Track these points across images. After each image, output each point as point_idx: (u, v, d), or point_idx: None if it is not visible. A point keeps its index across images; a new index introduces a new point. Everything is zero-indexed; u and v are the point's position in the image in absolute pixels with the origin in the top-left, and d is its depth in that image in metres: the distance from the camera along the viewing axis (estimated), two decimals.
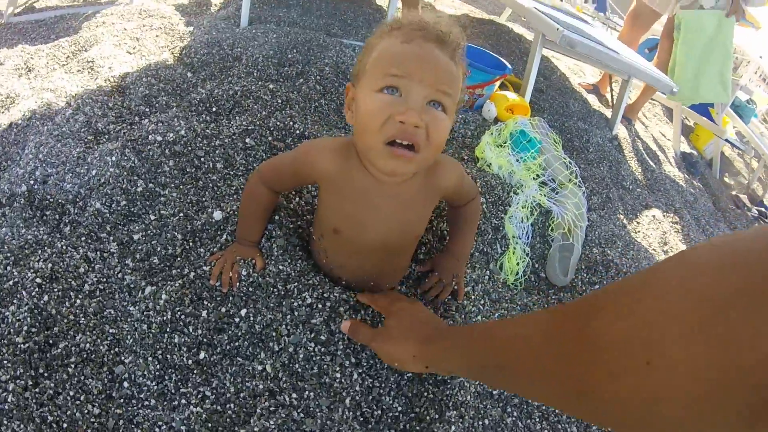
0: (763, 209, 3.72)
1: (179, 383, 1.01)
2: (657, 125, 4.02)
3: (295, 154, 1.07)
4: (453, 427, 1.08)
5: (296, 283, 1.09)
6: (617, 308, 0.49)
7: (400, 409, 1.10)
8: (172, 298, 1.08)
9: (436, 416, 1.09)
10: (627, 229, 2.02)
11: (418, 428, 1.07)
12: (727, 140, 3.52)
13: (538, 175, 1.76)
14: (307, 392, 1.00)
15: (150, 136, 1.39)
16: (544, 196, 1.71)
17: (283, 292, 1.08)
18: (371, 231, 1.05)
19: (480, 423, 1.17)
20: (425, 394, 1.13)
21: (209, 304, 1.09)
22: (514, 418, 1.27)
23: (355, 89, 0.95)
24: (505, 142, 1.74)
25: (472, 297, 1.31)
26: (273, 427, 0.94)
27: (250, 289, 1.09)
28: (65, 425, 0.99)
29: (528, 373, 0.63)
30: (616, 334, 0.48)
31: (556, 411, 1.37)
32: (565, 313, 0.59)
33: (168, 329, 1.05)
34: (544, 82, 2.88)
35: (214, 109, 1.58)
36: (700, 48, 2.92)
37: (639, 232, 2.12)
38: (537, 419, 1.31)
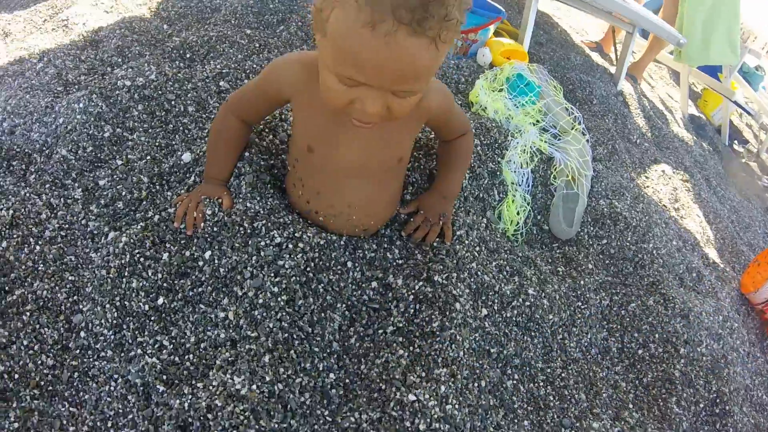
0: None
1: (136, 332, 0.92)
2: (664, 87, 3.83)
3: (263, 72, 0.99)
4: (443, 387, 0.97)
5: (264, 221, 1.00)
6: None
7: (379, 363, 1.00)
8: (132, 240, 1.00)
9: (423, 374, 0.98)
10: (635, 182, 1.89)
11: (398, 389, 0.95)
12: (735, 102, 3.35)
13: (537, 121, 1.63)
14: (263, 343, 0.91)
15: (119, 82, 1.31)
16: (545, 142, 1.59)
17: (249, 231, 0.99)
18: (346, 149, 0.96)
19: (475, 385, 1.06)
20: (410, 347, 1.02)
21: (172, 247, 1.00)
22: (514, 381, 1.17)
23: (318, 37, 0.79)
24: (501, 87, 1.62)
25: (466, 242, 1.20)
26: (233, 381, 0.85)
27: (215, 229, 1.00)
28: (17, 376, 0.92)
29: None
30: None
31: (562, 375, 1.26)
32: None
33: (126, 273, 0.97)
34: (543, 36, 2.71)
35: (188, 55, 1.49)
36: (708, 5, 2.75)
37: (648, 186, 1.99)
38: (540, 383, 1.21)
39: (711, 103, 3.84)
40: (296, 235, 1.00)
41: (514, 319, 1.24)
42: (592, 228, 1.61)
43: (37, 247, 1.05)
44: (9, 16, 2.08)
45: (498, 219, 1.41)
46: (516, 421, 1.11)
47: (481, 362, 1.12)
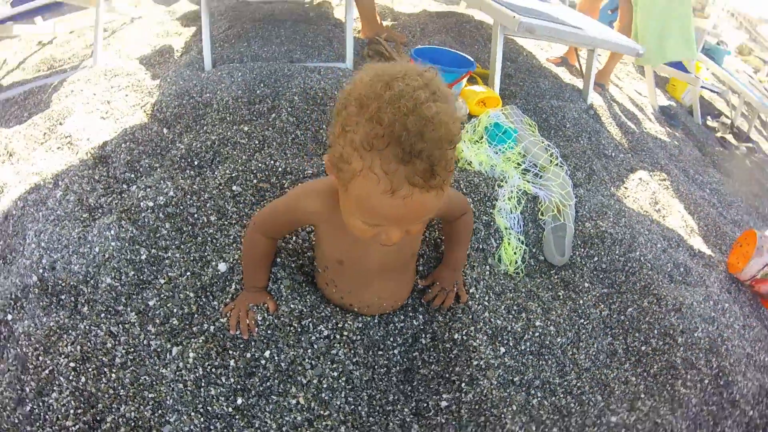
0: (750, 144, 3.81)
1: (225, 430, 1.12)
2: (631, 84, 4.13)
3: (286, 202, 1.18)
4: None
5: (310, 318, 1.21)
6: None
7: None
8: (200, 355, 1.19)
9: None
10: (616, 197, 2.13)
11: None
12: (703, 86, 3.61)
13: (519, 164, 1.86)
14: (336, 418, 1.12)
15: (142, 203, 1.50)
16: (529, 182, 1.82)
17: (299, 329, 1.20)
18: (371, 258, 1.17)
19: (509, 409, 1.28)
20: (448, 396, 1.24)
21: (234, 353, 1.20)
22: (539, 399, 1.40)
23: (339, 183, 0.94)
24: (481, 138, 1.84)
25: (477, 296, 1.42)
26: None
27: (269, 331, 1.20)
28: None
29: None
30: None
31: (578, 384, 1.49)
32: None
33: (203, 383, 1.16)
34: (511, 66, 2.98)
35: (196, 163, 1.68)
36: (659, 8, 3.03)
37: (628, 197, 2.23)
38: (561, 395, 1.43)
39: (679, 86, 4.13)
40: (339, 325, 1.21)
41: (527, 349, 1.47)
42: (582, 249, 1.83)
43: (113, 375, 1.22)
44: (8, 131, 2.23)
45: (498, 262, 1.63)
46: (545, 430, 1.34)
47: (508, 391, 1.33)
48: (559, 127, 2.39)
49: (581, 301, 1.70)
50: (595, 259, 1.83)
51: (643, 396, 1.53)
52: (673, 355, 1.62)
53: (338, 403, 1.14)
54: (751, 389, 1.68)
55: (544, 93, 2.65)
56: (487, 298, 1.46)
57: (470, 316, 1.36)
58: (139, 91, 2.29)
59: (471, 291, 1.42)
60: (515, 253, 1.66)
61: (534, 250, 1.77)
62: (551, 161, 1.89)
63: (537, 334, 1.49)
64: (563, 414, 1.41)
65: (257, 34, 2.72)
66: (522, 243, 1.70)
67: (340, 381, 1.16)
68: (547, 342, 1.50)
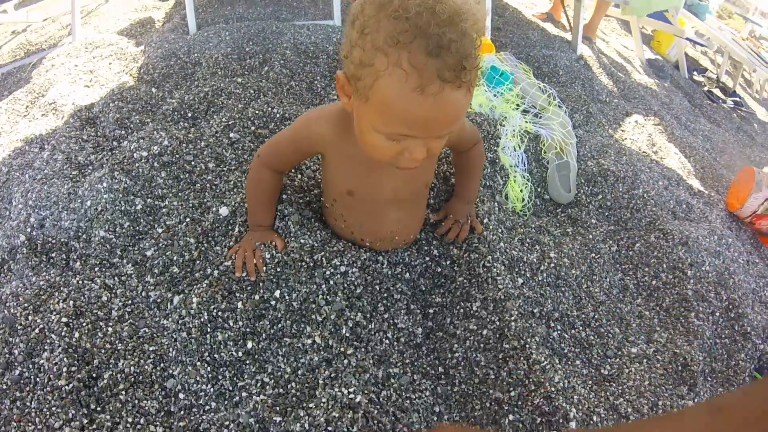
0: (737, 99, 3.73)
1: (235, 378, 0.97)
2: (617, 39, 4.00)
3: (293, 129, 1.02)
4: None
5: (322, 253, 1.06)
6: None
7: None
8: (204, 299, 1.04)
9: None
10: (614, 138, 2.01)
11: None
12: (687, 39, 3.50)
13: (518, 105, 1.73)
14: (360, 354, 0.98)
15: (135, 154, 1.33)
16: (529, 122, 1.69)
17: (311, 264, 1.05)
18: (383, 188, 1.03)
19: (533, 340, 1.16)
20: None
21: (242, 296, 1.04)
22: (559, 332, 1.27)
23: (355, 101, 0.83)
24: (478, 81, 1.70)
25: (490, 227, 1.29)
26: (338, 393, 0.92)
27: (278, 269, 1.05)
28: None
29: None
30: None
31: (595, 317, 1.37)
32: None
33: (209, 329, 1.01)
34: (499, 20, 2.83)
35: (189, 115, 1.52)
36: None
37: (626, 138, 2.12)
38: (580, 327, 1.32)
39: (664, 42, 3.99)
40: (353, 259, 1.06)
41: (545, 280, 1.35)
42: (586, 187, 1.71)
43: (109, 329, 1.07)
44: None
45: (506, 200, 1.50)
46: (569, 363, 1.22)
47: (529, 322, 1.21)
48: (553, 74, 2.26)
49: (590, 236, 1.59)
50: (600, 196, 1.71)
51: (658, 329, 1.43)
52: (684, 288, 1.52)
53: (359, 340, 0.99)
54: (760, 323, 1.59)
55: (534, 43, 2.52)
56: (500, 230, 1.33)
57: (486, 246, 1.23)
58: (123, 59, 2.10)
59: (485, 222, 1.28)
60: (521, 190, 1.53)
61: (539, 189, 1.65)
62: (550, 102, 1.76)
63: (552, 265, 1.36)
64: (584, 346, 1.30)
65: None
66: (527, 180, 1.57)
67: (357, 316, 1.01)
68: (563, 274, 1.37)
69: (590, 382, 1.22)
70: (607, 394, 1.18)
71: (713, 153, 2.60)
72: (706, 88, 3.68)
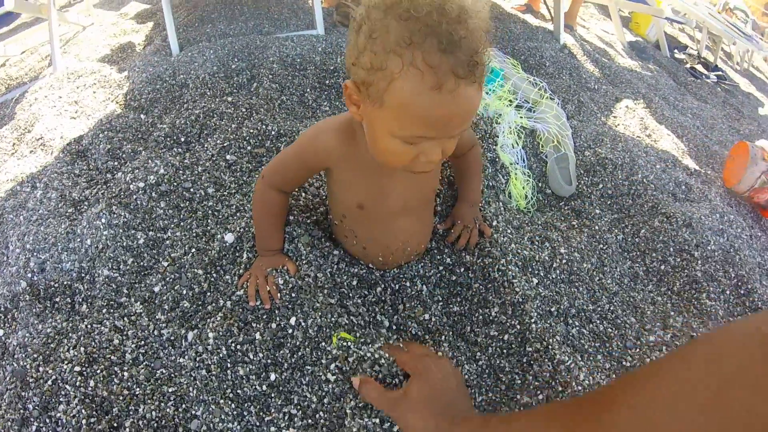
0: (719, 73, 3.72)
1: (261, 413, 0.93)
2: (597, 24, 3.99)
3: (299, 145, 0.98)
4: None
5: (337, 275, 1.01)
6: (626, 400, 0.54)
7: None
8: (220, 333, 0.99)
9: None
10: (608, 125, 1.99)
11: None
12: (666, 18, 3.50)
13: (511, 101, 1.69)
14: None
15: (131, 186, 1.28)
16: (524, 117, 1.65)
17: (331, 285, 1.00)
18: (393, 198, 0.99)
19: (555, 340, 1.12)
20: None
21: (258, 325, 1.00)
22: (577, 327, 1.24)
23: (366, 108, 0.80)
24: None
25: (500, 229, 1.25)
26: (369, 422, 0.87)
27: (293, 294, 1.01)
28: None
29: None
30: (626, 426, 0.53)
31: (610, 309, 1.34)
32: (580, 406, 0.62)
33: (229, 364, 0.96)
34: None
35: (182, 139, 1.46)
36: None
37: (619, 125, 2.09)
38: (597, 321, 1.29)
39: (642, 23, 3.98)
40: (371, 279, 1.02)
41: (558, 277, 1.32)
42: (586, 178, 1.68)
43: (125, 374, 1.01)
44: None
45: (509, 198, 1.47)
46: (591, 359, 1.19)
47: (549, 322, 1.18)
48: (540, 66, 2.22)
49: (596, 228, 1.56)
50: (600, 186, 1.68)
51: (672, 314, 1.40)
52: (692, 270, 1.50)
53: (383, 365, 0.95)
54: None
55: (518, 36, 2.48)
56: (509, 231, 1.29)
57: (499, 249, 1.19)
58: (108, 86, 2.03)
59: (494, 224, 1.25)
60: (524, 187, 1.49)
61: (541, 185, 1.61)
62: (541, 95, 1.72)
63: (564, 261, 1.33)
64: (603, 340, 1.26)
65: (220, 15, 2.45)
66: (529, 177, 1.53)
67: (381, 338, 0.97)
68: (575, 269, 1.34)
69: (614, 376, 1.20)
70: None
71: (704, 130, 2.59)
72: (688, 65, 3.67)
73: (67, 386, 0.97)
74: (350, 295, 1.01)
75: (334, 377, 0.93)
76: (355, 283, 1.03)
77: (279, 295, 1.01)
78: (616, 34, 3.61)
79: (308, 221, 1.12)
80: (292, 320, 1.00)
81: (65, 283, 1.21)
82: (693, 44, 4.31)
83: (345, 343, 0.95)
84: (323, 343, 0.97)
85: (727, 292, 1.50)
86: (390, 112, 0.75)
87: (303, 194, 1.19)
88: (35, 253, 1.26)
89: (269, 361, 0.97)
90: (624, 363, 1.24)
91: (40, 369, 1.02)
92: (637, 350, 1.27)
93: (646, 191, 1.68)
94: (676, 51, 3.91)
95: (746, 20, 5.01)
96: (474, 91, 0.74)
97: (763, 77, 5.05)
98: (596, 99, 2.20)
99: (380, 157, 0.84)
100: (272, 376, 0.95)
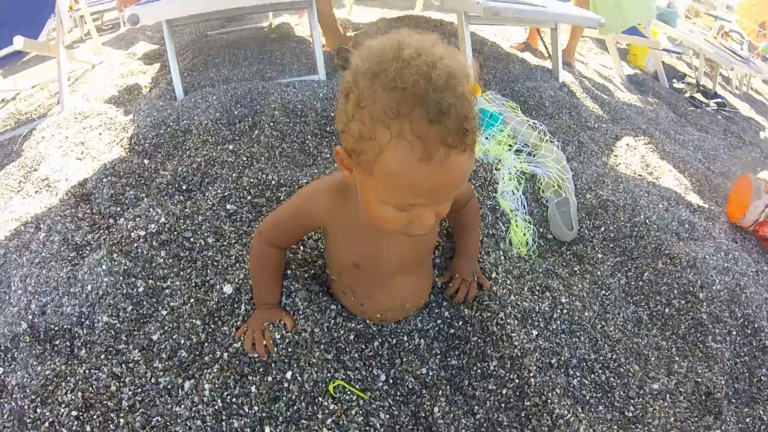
0: (719, 100, 3.79)
1: None
2: (595, 59, 4.10)
3: (293, 204, 1.03)
4: None
5: (334, 330, 1.05)
6: None
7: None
8: (216, 385, 1.02)
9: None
10: (609, 166, 2.04)
11: None
12: (664, 49, 3.60)
13: (510, 146, 1.75)
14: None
15: (133, 234, 1.33)
16: (524, 162, 1.71)
17: (327, 341, 1.04)
18: (389, 257, 1.03)
19: (554, 393, 1.15)
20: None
21: (255, 378, 1.03)
22: (579, 378, 1.27)
23: (358, 174, 0.82)
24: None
25: (499, 281, 1.29)
26: None
27: (289, 349, 1.04)
28: None
29: None
30: None
31: (613, 357, 1.35)
32: None
33: (224, 416, 0.99)
34: (479, 56, 2.89)
35: (184, 187, 1.52)
36: None
37: (620, 164, 2.14)
38: (599, 371, 1.30)
39: (639, 54, 4.10)
40: (369, 333, 1.05)
41: (559, 328, 1.34)
42: (588, 221, 1.72)
43: (121, 420, 1.05)
44: None
45: (510, 246, 1.51)
46: (592, 410, 1.21)
47: (548, 375, 1.20)
48: (539, 107, 2.29)
49: (598, 273, 1.59)
50: (602, 228, 1.72)
51: (677, 358, 1.42)
52: (697, 312, 1.52)
53: (379, 418, 0.98)
54: None
55: (517, 77, 2.56)
56: (508, 282, 1.33)
57: (497, 302, 1.22)
58: (113, 128, 2.12)
59: (493, 276, 1.28)
60: (525, 234, 1.53)
61: (542, 230, 1.65)
62: (541, 138, 1.78)
63: (565, 311, 1.36)
64: (605, 390, 1.28)
65: (224, 60, 2.58)
66: (529, 223, 1.58)
67: (375, 390, 1.00)
68: (576, 318, 1.36)
69: (615, 427, 1.21)
70: None
71: (706, 162, 2.63)
72: (687, 94, 3.75)
73: (63, 429, 1.01)
74: (347, 349, 1.04)
75: None
76: (352, 337, 1.06)
77: (276, 349, 1.04)
78: (615, 68, 3.72)
79: (306, 275, 1.16)
80: (288, 374, 1.03)
81: (65, 326, 1.25)
82: (691, 71, 4.39)
83: (343, 392, 0.98)
84: (320, 398, 1.00)
85: (734, 333, 1.52)
86: (380, 181, 0.77)
87: (301, 248, 1.24)
88: (37, 296, 1.31)
89: (264, 414, 1.00)
90: (626, 414, 1.25)
91: (38, 410, 1.06)
92: (640, 399, 1.29)
93: (649, 232, 1.72)
94: (674, 80, 4.00)
95: (742, 41, 5.11)
96: (465, 159, 0.75)
97: (762, 99, 5.12)
98: (596, 138, 2.26)
99: (374, 222, 0.87)
100: (267, 430, 0.98)
